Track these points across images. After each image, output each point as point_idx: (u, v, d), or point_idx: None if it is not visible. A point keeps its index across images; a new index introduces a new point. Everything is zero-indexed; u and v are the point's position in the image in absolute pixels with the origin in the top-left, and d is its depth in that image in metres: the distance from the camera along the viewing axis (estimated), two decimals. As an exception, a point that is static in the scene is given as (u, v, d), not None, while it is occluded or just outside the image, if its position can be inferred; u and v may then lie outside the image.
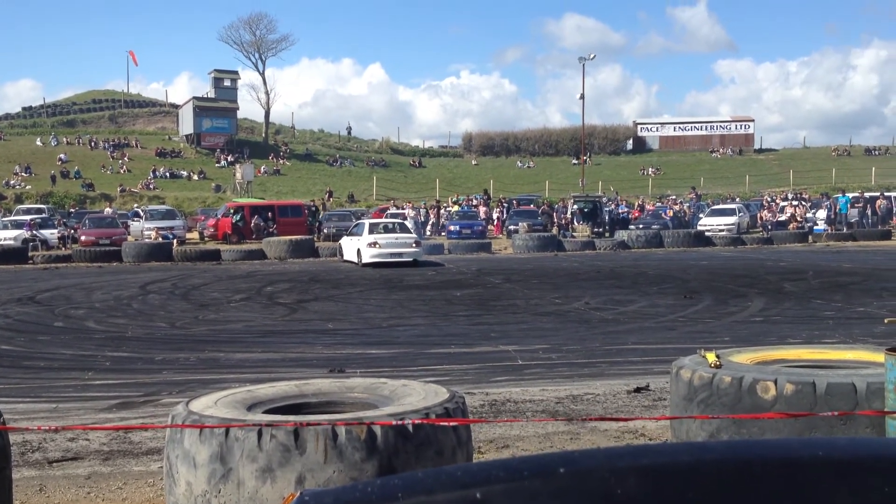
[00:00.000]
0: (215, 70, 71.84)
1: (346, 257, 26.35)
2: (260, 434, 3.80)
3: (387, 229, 25.50)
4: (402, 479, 1.05)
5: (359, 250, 24.57)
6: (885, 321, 8.10)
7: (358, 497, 1.00)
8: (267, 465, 3.78)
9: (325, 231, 36.87)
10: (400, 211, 41.20)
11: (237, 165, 56.42)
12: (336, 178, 64.44)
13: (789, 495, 1.01)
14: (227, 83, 71.54)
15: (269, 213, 37.53)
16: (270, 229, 35.78)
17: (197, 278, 21.49)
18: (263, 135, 75.06)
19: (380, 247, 24.05)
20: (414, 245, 24.99)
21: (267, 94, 73.49)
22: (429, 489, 1.01)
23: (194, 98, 70.60)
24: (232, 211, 37.42)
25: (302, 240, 31.34)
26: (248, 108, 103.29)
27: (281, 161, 67.76)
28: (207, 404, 4.28)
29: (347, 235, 27.25)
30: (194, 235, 38.99)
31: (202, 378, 8.67)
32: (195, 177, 60.80)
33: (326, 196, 52.89)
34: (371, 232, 24.85)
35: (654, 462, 1.03)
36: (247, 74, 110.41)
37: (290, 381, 5.21)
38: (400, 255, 24.23)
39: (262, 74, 73.98)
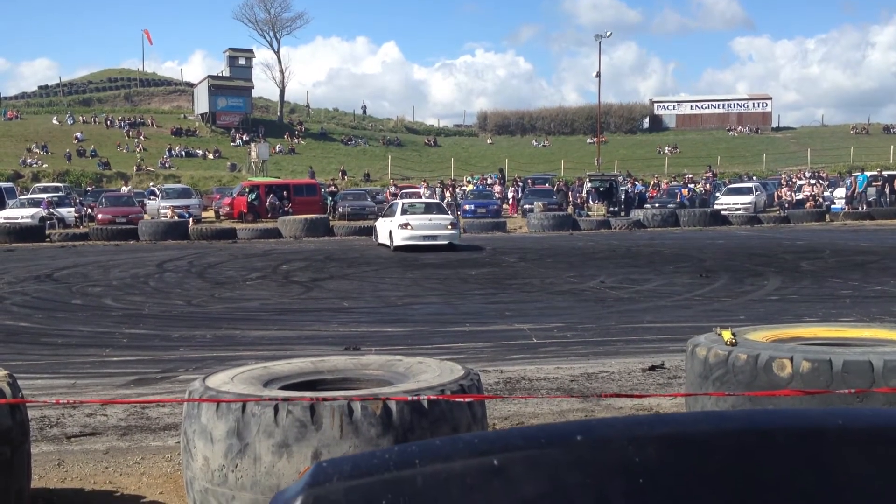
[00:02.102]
0: (230, 49, 71.84)
1: (380, 240, 24.30)
2: (276, 409, 3.82)
3: (421, 209, 23.40)
4: (420, 446, 1.05)
5: (391, 232, 22.62)
6: (903, 300, 8.04)
7: (375, 464, 1.01)
8: (283, 441, 3.80)
9: (340, 210, 36.92)
10: (416, 190, 41.24)
11: (252, 144, 56.56)
12: (351, 158, 64.47)
13: (810, 465, 1.00)
14: (241, 62, 71.50)
15: (285, 192, 37.59)
16: (286, 208, 35.84)
17: (213, 257, 21.58)
18: (278, 114, 75.08)
19: (412, 228, 21.97)
20: (450, 227, 22.57)
21: (282, 72, 73.50)
22: (446, 456, 1.01)
23: (209, 77, 70.65)
24: (247, 190, 37.51)
25: (317, 219, 31.40)
26: (263, 86, 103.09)
27: (296, 140, 67.79)
28: (224, 380, 4.31)
29: (382, 216, 25.08)
30: (210, 214, 39.14)
31: (218, 355, 8.72)
32: (210, 156, 60.94)
33: (340, 175, 52.88)
34: (404, 212, 22.79)
35: (674, 431, 1.02)
36: (261, 53, 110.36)
37: (306, 358, 5.23)
38: (434, 237, 22.02)
39: (277, 53, 73.98)
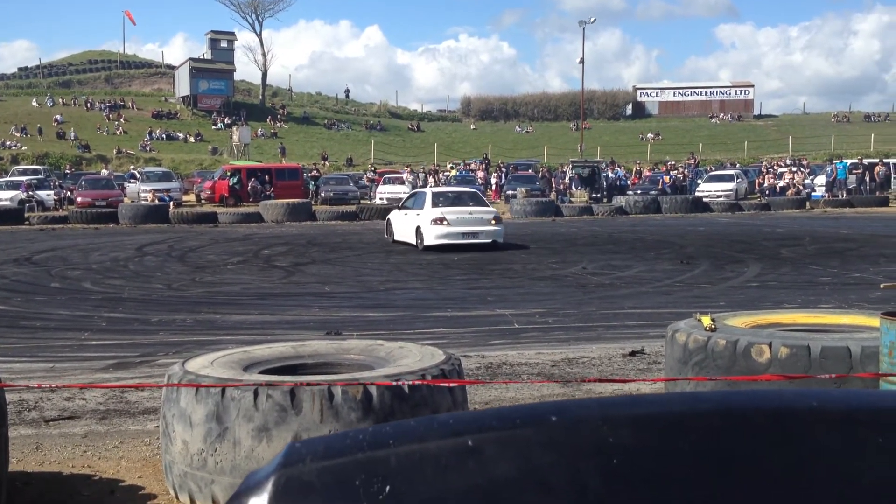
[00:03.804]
0: (212, 31, 71.21)
1: (398, 237, 20.06)
2: (256, 394, 3.81)
3: (457, 200, 19.30)
4: (394, 426, 1.05)
5: (419, 228, 18.57)
6: (881, 286, 8.13)
7: (349, 445, 1.00)
8: (263, 425, 3.79)
9: (323, 195, 36.81)
10: (398, 175, 41.16)
11: (234, 128, 56.19)
12: (334, 142, 64.21)
13: (782, 445, 1.01)
14: (223, 44, 70.92)
15: (267, 176, 37.42)
16: (268, 192, 35.68)
17: (193, 241, 21.47)
18: (260, 97, 74.61)
19: (448, 224, 18.08)
20: (493, 221, 18.60)
21: (264, 55, 73.01)
22: (420, 437, 1.01)
23: (191, 59, 70.06)
24: (229, 174, 37.30)
25: (299, 203, 31.26)
26: (245, 69, 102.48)
27: (278, 124, 67.43)
28: (204, 364, 4.30)
29: (399, 208, 20.82)
30: (191, 198, 38.93)
31: (198, 339, 8.69)
32: (191, 139, 60.54)
33: (321, 159, 52.67)
34: (436, 203, 18.72)
35: (648, 411, 1.03)
36: (243, 36, 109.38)
37: (287, 343, 5.23)
38: (475, 234, 18.22)
39: (259, 36, 73.46)
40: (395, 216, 20.68)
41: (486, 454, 0.99)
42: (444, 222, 18.18)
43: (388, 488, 0.97)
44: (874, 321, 4.92)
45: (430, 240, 18.18)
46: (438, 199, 19.09)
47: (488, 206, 20.04)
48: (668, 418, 1.01)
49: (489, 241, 18.34)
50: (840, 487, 1.00)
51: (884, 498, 1.00)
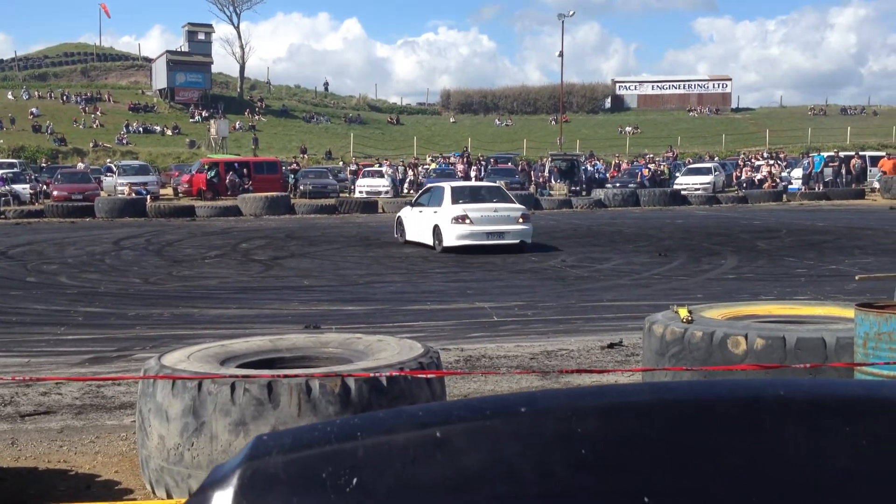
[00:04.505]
0: (189, 23, 70.72)
1: (410, 237, 18.19)
2: (233, 388, 3.80)
3: (479, 195, 17.51)
4: (362, 418, 1.04)
5: (437, 228, 16.79)
6: (857, 278, 8.20)
7: (316, 437, 1.00)
8: (240, 419, 3.78)
9: (302, 188, 36.68)
10: (378, 168, 41.08)
11: (211, 121, 55.84)
12: (313, 135, 63.96)
13: (750, 434, 1.02)
14: (201, 37, 70.43)
15: (245, 170, 37.22)
16: (246, 186, 35.51)
17: (171, 234, 21.34)
18: (238, 90, 74.17)
19: (471, 222, 16.31)
20: (521, 220, 16.85)
21: (242, 48, 72.54)
22: (388, 429, 1.01)
23: (168, 52, 69.53)
24: (206, 167, 37.07)
25: (278, 196, 31.13)
26: (223, 62, 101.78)
27: (256, 117, 67.08)
28: (180, 358, 4.28)
29: (412, 205, 18.85)
30: (168, 191, 38.68)
31: (175, 334, 8.64)
32: (169, 132, 60.13)
33: (300, 153, 52.45)
34: (456, 200, 16.91)
35: (616, 401, 1.03)
36: (221, 28, 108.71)
37: (265, 337, 5.21)
38: (501, 234, 16.52)
39: (237, 28, 73.00)
40: (406, 214, 18.68)
41: (455, 445, 0.99)
42: (467, 221, 16.38)
43: (355, 480, 0.97)
44: (849, 312, 4.96)
45: (450, 240, 16.40)
46: (459, 195, 17.20)
47: (514, 202, 18.09)
48: (636, 408, 1.02)
49: (516, 241, 16.57)
50: (807, 476, 1.01)
51: (850, 486, 1.01)
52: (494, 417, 1.01)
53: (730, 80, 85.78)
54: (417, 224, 17.93)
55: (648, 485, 0.97)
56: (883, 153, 41.51)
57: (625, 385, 1.10)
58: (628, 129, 70.15)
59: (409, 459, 0.98)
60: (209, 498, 0.99)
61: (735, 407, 1.02)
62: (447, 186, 17.98)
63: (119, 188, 35.07)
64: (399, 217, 19.13)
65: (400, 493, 0.97)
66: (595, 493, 0.97)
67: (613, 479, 0.98)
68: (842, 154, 40.75)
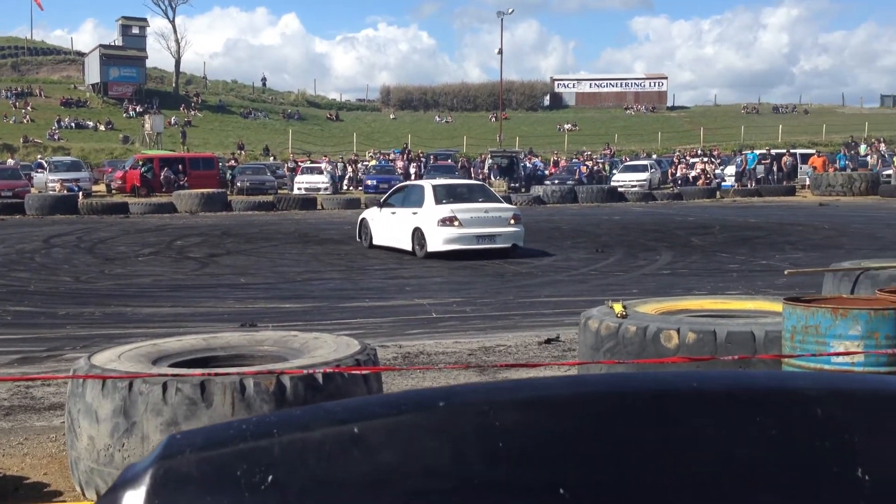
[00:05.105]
0: (123, 17, 69.26)
1: (379, 242, 16.63)
2: (165, 387, 3.74)
3: (463, 195, 15.99)
4: (278, 415, 1.04)
5: (418, 231, 15.31)
6: (786, 273, 8.40)
7: (231, 435, 0.99)
8: (172, 419, 3.72)
9: (239, 185, 36.24)
10: (317, 165, 40.79)
11: (146, 116, 54.84)
12: (250, 131, 63.21)
13: (663, 425, 1.03)
14: (135, 31, 69.04)
15: (180, 166, 36.65)
16: (181, 182, 34.96)
17: (103, 232, 20.89)
18: (174, 85, 72.94)
19: (460, 225, 14.90)
20: (513, 221, 15.48)
21: (177, 42, 71.36)
22: (305, 425, 1.00)
23: (101, 46, 68.03)
24: (140, 163, 36.40)
25: (214, 193, 30.70)
26: (158, 56, 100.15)
27: (192, 112, 66.06)
28: (111, 358, 4.19)
29: (380, 206, 17.09)
30: (101, 188, 37.91)
31: (107, 333, 8.46)
32: (102, 127, 58.89)
33: (237, 149, 51.80)
34: (440, 200, 15.39)
35: (533, 395, 1.04)
36: (156, 22, 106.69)
37: (198, 335, 5.13)
38: (492, 238, 15.13)
39: (172, 22, 71.74)
40: (373, 215, 17.11)
41: (372, 441, 0.99)
42: (456, 223, 14.91)
43: (270, 478, 0.96)
44: (778, 307, 5.09)
45: (436, 244, 14.94)
46: (442, 194, 15.62)
47: (502, 201, 16.97)
48: (552, 401, 1.03)
49: (508, 245, 15.28)
50: (719, 466, 1.03)
51: (760, 476, 1.03)
52: (412, 412, 1.01)
53: (665, 78, 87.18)
54: (390, 227, 16.31)
55: (565, 477, 0.98)
56: (813, 151, 42.61)
57: (542, 378, 1.11)
58: (567, 126, 70.82)
59: (325, 456, 0.97)
60: (120, 498, 0.97)
61: (649, 399, 1.03)
62: (427, 185, 16.44)
63: (50, 185, 34.23)
64: (363, 220, 17.47)
65: (315, 489, 0.96)
66: (512, 486, 0.98)
67: (530, 471, 0.98)
68: (773, 152, 41.74)
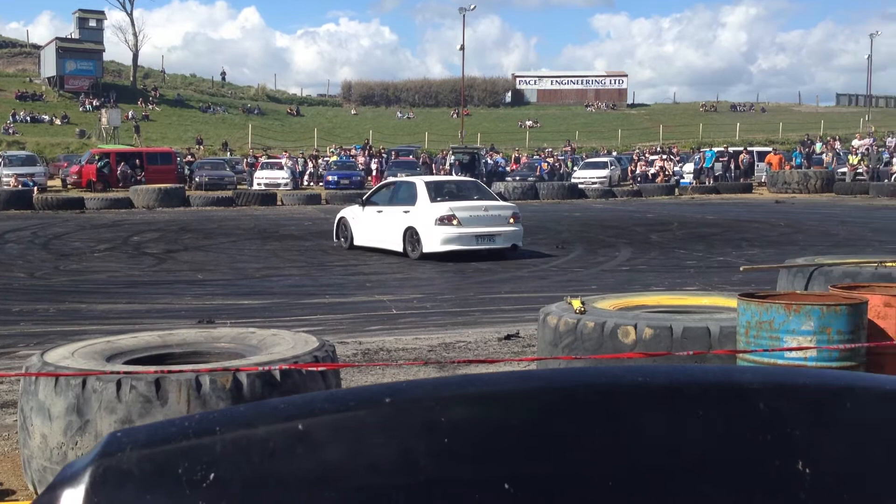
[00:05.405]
0: (80, 10, 68.10)
1: (362, 242, 15.71)
2: (119, 385, 3.69)
3: (458, 193, 15.23)
4: (222, 413, 1.03)
5: (411, 231, 14.46)
6: (741, 269, 8.53)
7: (173, 432, 0.98)
8: (126, 417, 3.68)
9: (197, 180, 35.87)
10: (277, 160, 40.50)
11: (103, 110, 54.08)
12: (209, 126, 62.56)
13: (609, 421, 1.04)
14: (92, 24, 67.95)
15: (137, 161, 36.20)
16: (138, 177, 34.53)
17: (59, 227, 20.58)
18: (131, 78, 71.96)
19: (459, 224, 14.07)
20: (512, 219, 14.67)
21: (135, 35, 70.35)
22: (249, 422, 1.00)
23: (57, 39, 66.88)
24: (97, 157, 35.89)
25: (172, 188, 30.39)
26: (115, 50, 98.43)
27: (150, 106, 65.23)
28: (64, 355, 4.14)
29: (362, 204, 15.95)
30: (56, 183, 37.28)
31: (62, 330, 8.34)
32: (58, 121, 57.91)
33: (196, 143, 51.26)
34: (436, 197, 14.57)
35: (479, 391, 1.04)
36: (114, 15, 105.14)
37: (154, 332, 5.07)
38: (492, 238, 14.34)
39: (130, 15, 70.71)
40: (353, 214, 16.05)
41: (317, 438, 0.99)
42: (454, 222, 14.06)
43: (212, 476, 0.95)
44: (733, 302, 5.15)
45: (432, 245, 14.09)
46: (437, 192, 14.79)
47: (498, 199, 16.17)
48: (499, 396, 1.03)
49: (508, 245, 14.51)
50: (663, 459, 1.04)
51: (703, 469, 1.04)
52: (358, 409, 1.01)
53: (626, 76, 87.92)
54: (376, 226, 15.31)
55: (511, 472, 0.99)
56: (770, 149, 43.23)
57: (488, 374, 1.11)
58: (528, 123, 71.07)
59: (269, 453, 0.97)
60: (58, 496, 0.96)
61: (595, 394, 1.04)
62: (420, 182, 15.29)
63: (4, 180, 33.61)
64: (342, 219, 16.42)
65: (259, 486, 0.96)
66: (457, 482, 0.98)
67: (476, 467, 0.99)
68: (731, 149, 42.24)
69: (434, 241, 14.09)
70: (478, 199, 14.92)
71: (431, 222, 14.12)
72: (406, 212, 14.61)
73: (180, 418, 1.01)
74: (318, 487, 0.96)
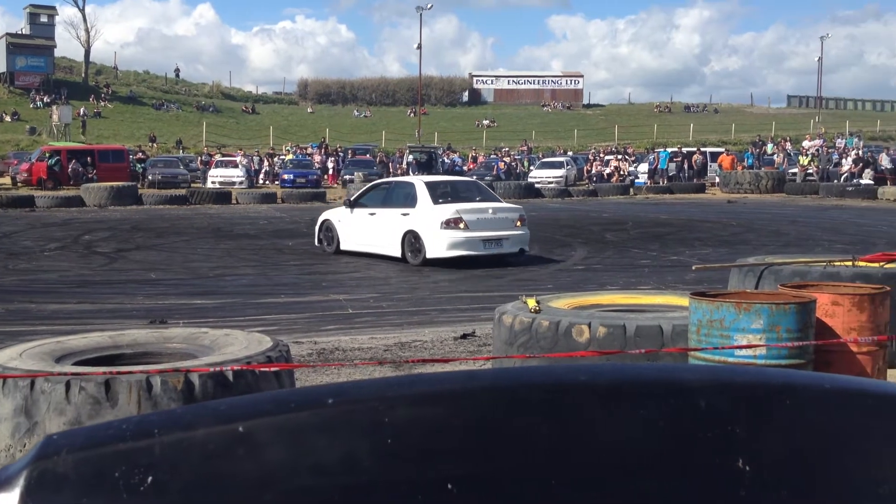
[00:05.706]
0: (31, 5, 66.82)
1: (350, 247, 14.67)
2: (68, 386, 3.64)
3: (461, 194, 14.18)
4: (161, 415, 1.02)
5: (412, 234, 13.46)
6: (693, 268, 8.63)
7: (111, 434, 0.96)
8: (76, 419, 3.62)
9: (150, 178, 35.42)
10: (232, 158, 40.12)
11: (54, 107, 53.17)
12: (163, 123, 61.81)
13: (552, 419, 1.05)
14: (43, 19, 66.75)
15: (89, 158, 35.63)
16: (90, 175, 34.00)
17: (8, 226, 20.18)
18: (83, 75, 70.82)
19: (466, 227, 13.09)
20: (518, 223, 13.81)
21: (87, 31, 69.31)
22: (188, 424, 0.99)
23: (7, 34, 65.57)
24: (47, 155, 35.27)
25: (124, 186, 29.96)
26: (67, 46, 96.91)
27: (102, 103, 64.26)
28: (12, 356, 4.06)
29: (350, 206, 14.86)
30: (6, 181, 36.59)
31: (10, 330, 8.17)
32: (8, 118, 56.82)
33: (149, 141, 50.59)
34: (438, 199, 13.59)
35: (423, 391, 1.04)
36: (65, 10, 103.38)
37: (104, 332, 5.00)
38: (499, 242, 13.44)
39: (82, 11, 69.67)
40: (339, 216, 14.99)
41: (259, 439, 0.98)
42: (461, 225, 13.09)
43: (150, 479, 0.94)
44: (685, 301, 5.22)
45: (437, 250, 13.10)
46: (439, 193, 13.80)
47: (502, 200, 15.33)
48: (443, 396, 1.04)
49: (515, 249, 13.67)
50: (605, 457, 1.05)
51: (645, 466, 1.06)
52: (301, 410, 1.00)
53: (582, 76, 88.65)
54: (367, 230, 14.30)
55: (454, 472, 0.99)
56: (722, 150, 43.86)
57: (434, 374, 1.11)
58: (485, 122, 71.31)
59: (209, 455, 0.96)
60: (-8, 501, 0.94)
61: (538, 392, 1.05)
62: (419, 182, 14.24)
63: (-50, 177, 32.90)
64: (327, 221, 15.23)
65: (198, 489, 0.95)
66: (400, 483, 0.98)
67: (419, 467, 0.99)
68: (685, 150, 42.78)
69: (439, 246, 13.11)
70: (481, 201, 13.97)
71: (436, 226, 13.13)
72: (405, 214, 13.62)
73: (119, 420, 1.00)
74: (259, 489, 0.95)
